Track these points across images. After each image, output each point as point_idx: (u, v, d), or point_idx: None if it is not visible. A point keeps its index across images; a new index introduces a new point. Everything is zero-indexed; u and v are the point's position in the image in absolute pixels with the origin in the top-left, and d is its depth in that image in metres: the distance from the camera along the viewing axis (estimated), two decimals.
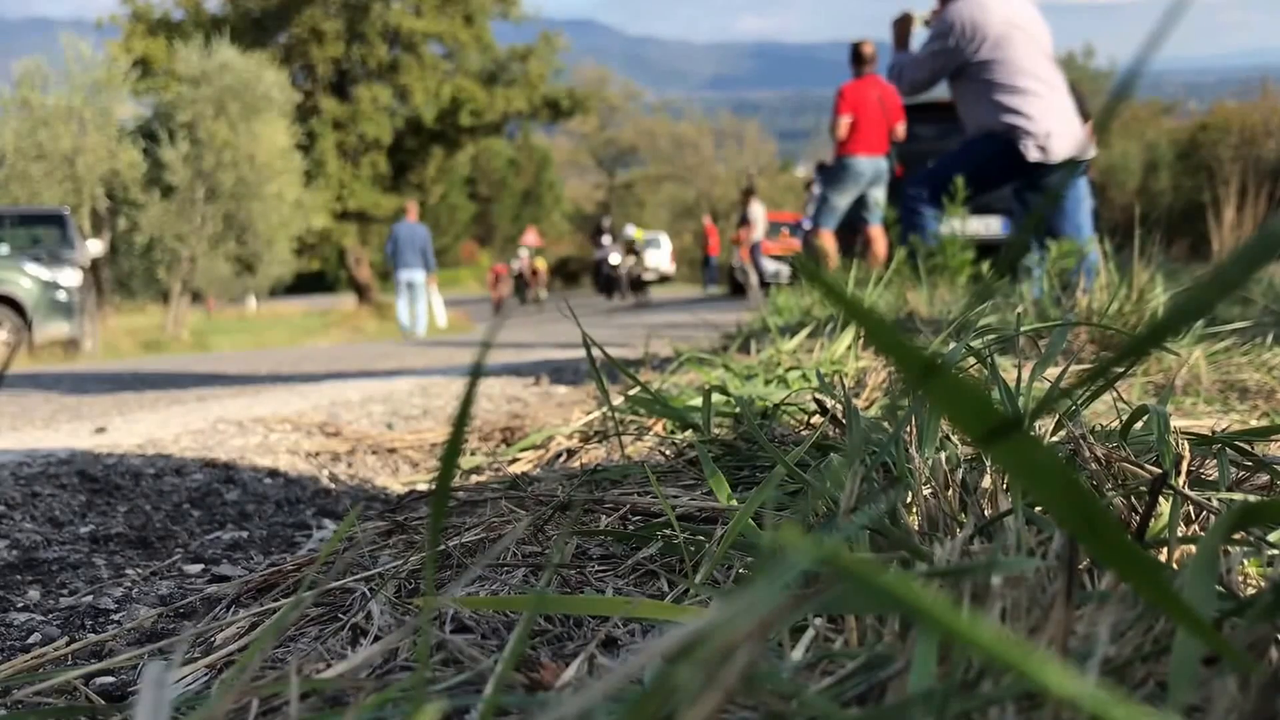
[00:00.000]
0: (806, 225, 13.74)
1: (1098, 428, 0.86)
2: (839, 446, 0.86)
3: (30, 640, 0.95)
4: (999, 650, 0.29)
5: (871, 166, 6.75)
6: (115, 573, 1.17)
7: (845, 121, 6.60)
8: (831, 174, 6.70)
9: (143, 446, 1.86)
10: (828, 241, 6.39)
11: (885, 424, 0.77)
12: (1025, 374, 0.91)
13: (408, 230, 12.82)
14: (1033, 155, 4.24)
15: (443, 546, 0.83)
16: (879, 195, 6.72)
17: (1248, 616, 0.39)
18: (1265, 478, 0.75)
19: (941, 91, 5.04)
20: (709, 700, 0.29)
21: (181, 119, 17.69)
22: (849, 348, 1.65)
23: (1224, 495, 0.66)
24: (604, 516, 0.87)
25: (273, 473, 1.74)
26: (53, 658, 0.80)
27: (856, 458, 0.57)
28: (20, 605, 1.04)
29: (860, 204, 6.83)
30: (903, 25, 4.79)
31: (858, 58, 6.83)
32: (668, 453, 1.13)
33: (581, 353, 0.96)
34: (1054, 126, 4.24)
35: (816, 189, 12.47)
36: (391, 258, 12.96)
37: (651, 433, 1.30)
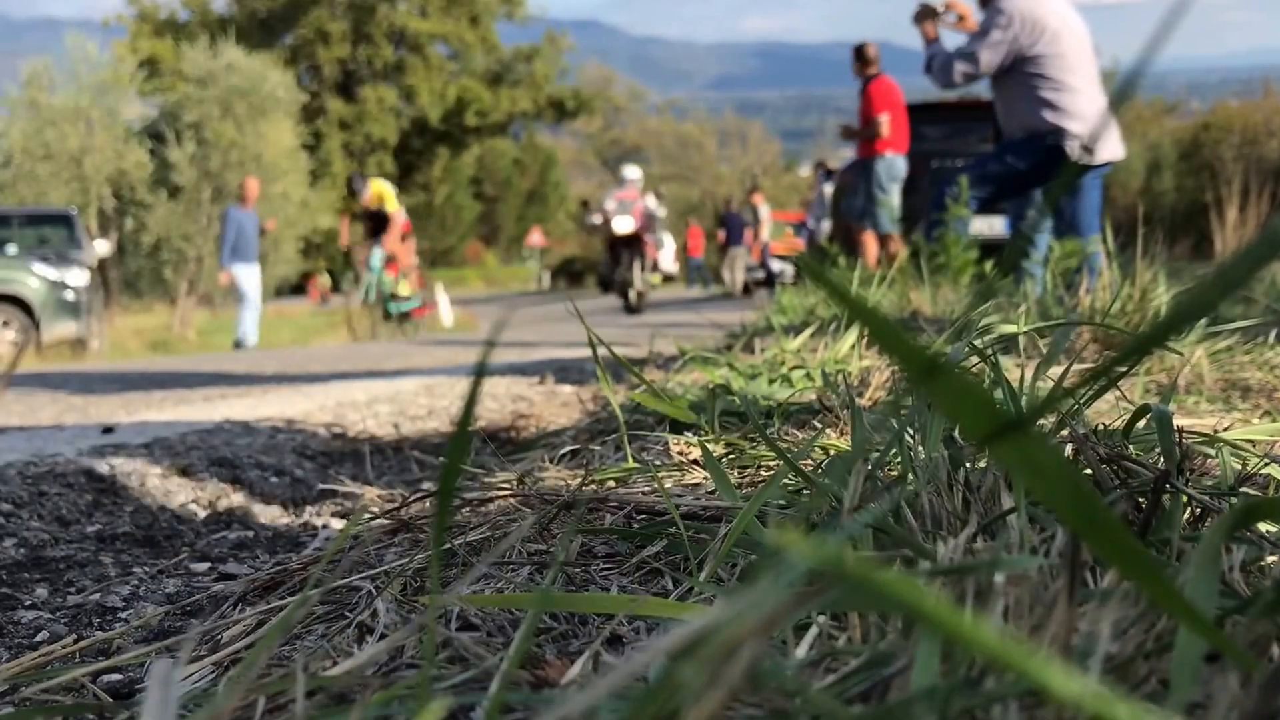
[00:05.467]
0: (811, 224, 13.63)
1: (1101, 426, 0.86)
2: (842, 445, 0.86)
3: (38, 638, 0.95)
4: (1001, 653, 0.29)
5: (905, 165, 6.76)
6: (122, 571, 1.18)
7: (886, 119, 6.58)
8: (874, 175, 6.65)
9: (149, 446, 1.87)
10: (896, 245, 6.26)
11: (889, 423, 0.77)
12: (1028, 373, 0.91)
13: (249, 217, 10.16)
14: (1080, 157, 4.12)
15: (448, 545, 0.83)
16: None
17: (1249, 614, 0.40)
18: (1267, 476, 0.75)
19: (945, 91, 4.97)
20: (713, 698, 0.29)
21: (188, 119, 17.74)
22: (853, 347, 1.65)
23: (1227, 494, 0.66)
24: (608, 515, 0.88)
25: (279, 471, 1.75)
26: (60, 655, 0.80)
27: (860, 456, 0.57)
28: (28, 603, 1.05)
29: (866, 204, 6.82)
30: (926, 16, 4.60)
31: (869, 60, 6.81)
32: (672, 451, 1.13)
33: (586, 352, 0.97)
34: (1101, 126, 4.13)
35: (823, 191, 12.36)
36: (233, 250, 10.00)
37: (656, 432, 1.30)
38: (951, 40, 4.59)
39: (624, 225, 10.98)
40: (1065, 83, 4.19)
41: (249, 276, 10.26)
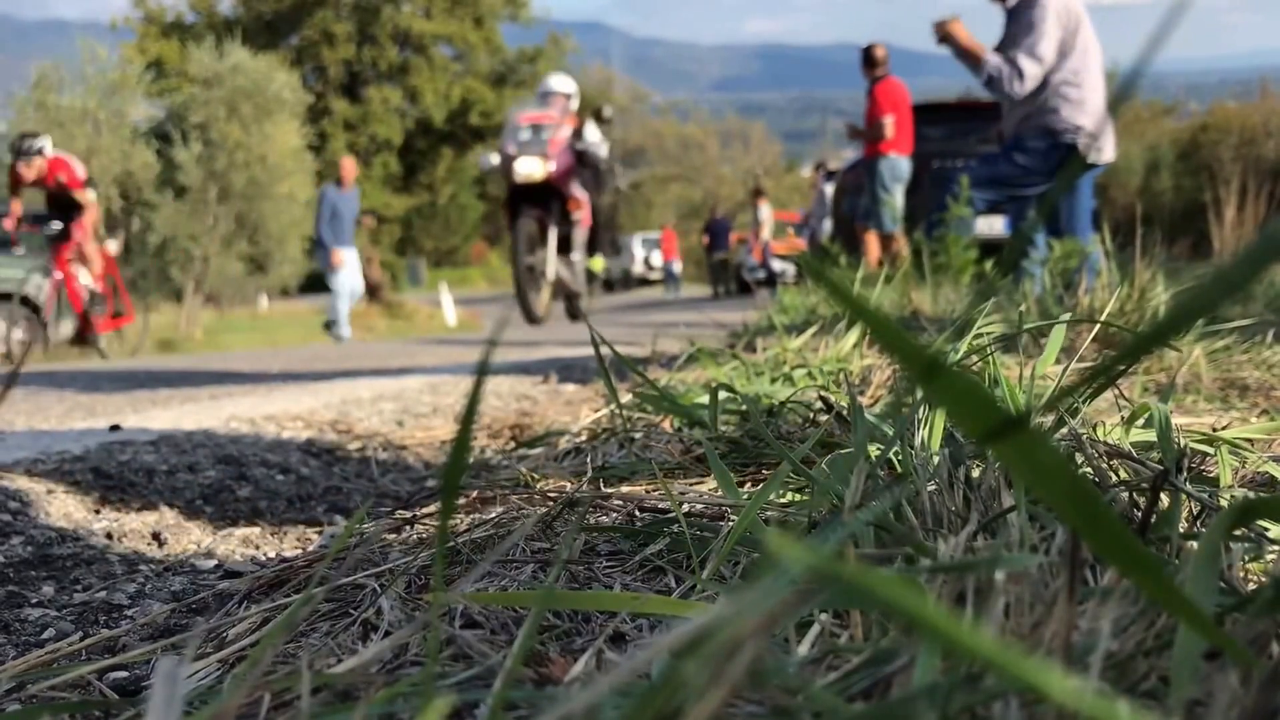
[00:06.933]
0: (813, 224, 13.57)
1: (1101, 425, 0.86)
2: (844, 444, 0.87)
3: (44, 636, 0.96)
4: (998, 657, 0.30)
5: (908, 165, 6.77)
6: (128, 569, 1.18)
7: (890, 121, 6.59)
8: (878, 175, 6.65)
9: (156, 444, 1.87)
10: (900, 244, 6.20)
11: (890, 421, 0.78)
12: (1029, 372, 0.91)
13: (345, 199, 9.53)
14: (1091, 156, 4.05)
15: (452, 543, 0.84)
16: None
17: (1249, 611, 0.40)
18: (1266, 474, 0.75)
19: (946, 92, 4.92)
20: (715, 695, 0.29)
21: (194, 120, 17.81)
22: (854, 346, 1.65)
23: (1225, 492, 0.66)
24: (611, 513, 0.88)
25: (284, 470, 1.75)
26: (66, 653, 0.81)
27: (861, 455, 0.57)
28: (35, 601, 1.06)
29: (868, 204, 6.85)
30: (948, 31, 4.25)
31: (877, 61, 6.82)
32: (675, 450, 1.13)
33: (589, 350, 0.97)
34: (1105, 127, 4.08)
35: (824, 191, 12.29)
36: (330, 231, 9.33)
37: (659, 430, 1.31)
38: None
39: (529, 168, 5.83)
40: (1085, 80, 4.14)
41: (345, 261, 9.47)
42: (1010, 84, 4.11)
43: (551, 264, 6.02)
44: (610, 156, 6.71)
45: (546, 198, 6.06)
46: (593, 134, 6.52)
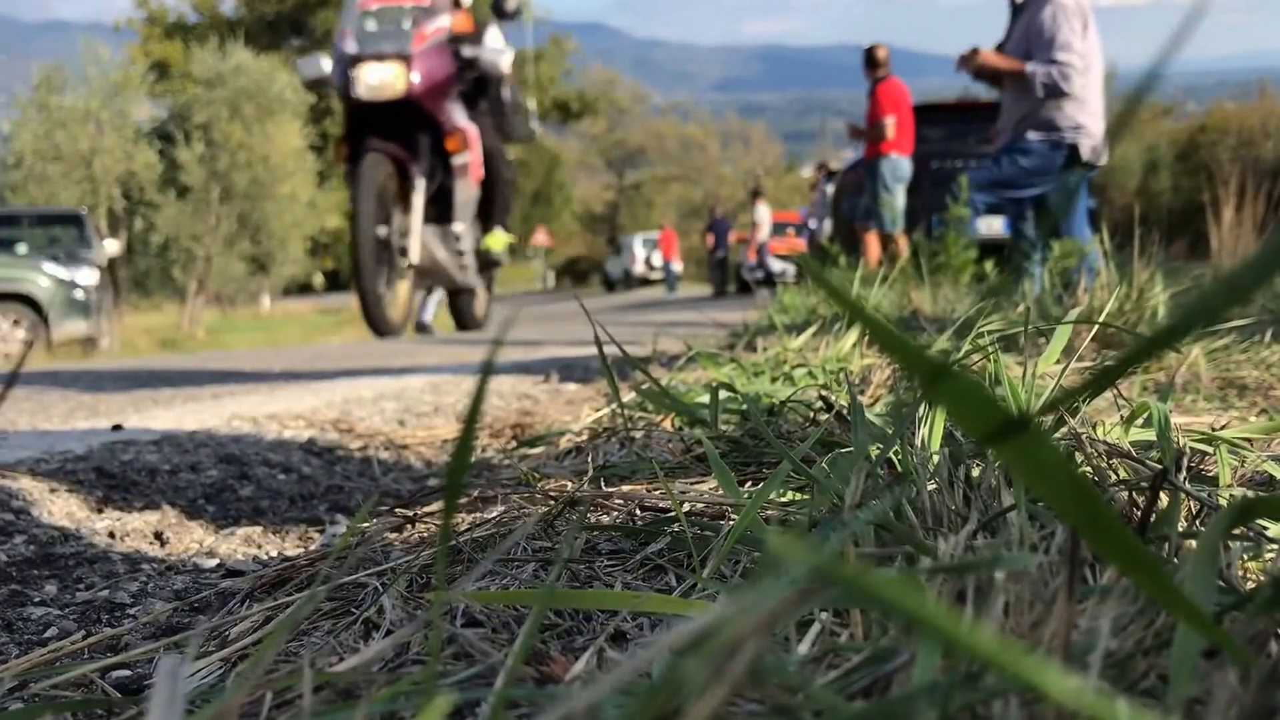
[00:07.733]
0: (813, 224, 13.64)
1: (1100, 424, 0.86)
2: (844, 443, 0.87)
3: (47, 634, 0.96)
4: (997, 655, 0.30)
5: (910, 166, 6.78)
6: (131, 568, 1.19)
7: (892, 122, 6.60)
8: (879, 175, 6.65)
9: (159, 443, 1.88)
10: (900, 244, 6.17)
11: (890, 420, 0.78)
12: (1029, 371, 0.91)
13: None
14: (1089, 156, 4.07)
15: (454, 542, 0.84)
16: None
17: (1248, 610, 0.40)
18: (1265, 474, 0.75)
19: (945, 92, 4.93)
20: (716, 693, 0.29)
21: (197, 120, 17.85)
22: (854, 345, 1.66)
23: (1224, 491, 0.66)
24: (612, 512, 0.88)
25: (286, 469, 1.76)
26: (69, 651, 0.81)
27: (862, 454, 0.58)
28: (37, 600, 1.06)
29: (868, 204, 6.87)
30: (981, 64, 4.22)
31: (879, 62, 6.82)
32: (676, 449, 1.13)
33: (590, 350, 0.97)
34: (1101, 130, 4.09)
35: (825, 191, 12.30)
36: None
37: (660, 429, 1.31)
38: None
39: (380, 76, 3.59)
40: (1089, 79, 4.13)
41: None
42: (1065, 82, 4.09)
43: (416, 237, 3.66)
44: (515, 90, 4.09)
45: (410, 128, 3.68)
46: (495, 39, 3.98)
